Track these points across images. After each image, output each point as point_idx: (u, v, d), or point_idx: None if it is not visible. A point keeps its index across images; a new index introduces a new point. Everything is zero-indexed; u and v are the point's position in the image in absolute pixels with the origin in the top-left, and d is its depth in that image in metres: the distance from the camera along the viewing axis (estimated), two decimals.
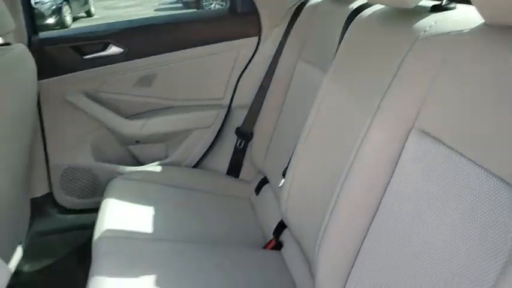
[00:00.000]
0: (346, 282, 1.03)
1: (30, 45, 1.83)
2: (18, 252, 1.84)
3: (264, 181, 1.88)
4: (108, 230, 1.49)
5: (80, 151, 2.03)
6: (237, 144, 2.04)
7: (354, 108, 1.15)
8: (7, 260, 1.71)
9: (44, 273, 1.91)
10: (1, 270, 1.24)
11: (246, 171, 2.07)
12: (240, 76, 2.05)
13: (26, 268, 1.91)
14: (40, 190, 2.04)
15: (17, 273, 1.84)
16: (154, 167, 2.00)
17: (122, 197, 1.70)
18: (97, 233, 1.48)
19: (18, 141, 1.64)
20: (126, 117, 2.01)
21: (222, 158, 2.09)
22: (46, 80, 1.88)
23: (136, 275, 1.27)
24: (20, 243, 1.86)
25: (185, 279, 1.29)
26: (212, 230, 1.64)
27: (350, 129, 1.13)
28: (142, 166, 2.05)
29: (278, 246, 1.52)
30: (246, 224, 1.75)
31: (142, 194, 1.75)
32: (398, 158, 0.96)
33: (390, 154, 0.97)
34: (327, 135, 1.27)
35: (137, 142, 2.09)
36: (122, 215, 1.59)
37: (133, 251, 1.40)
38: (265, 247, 1.56)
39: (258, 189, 1.90)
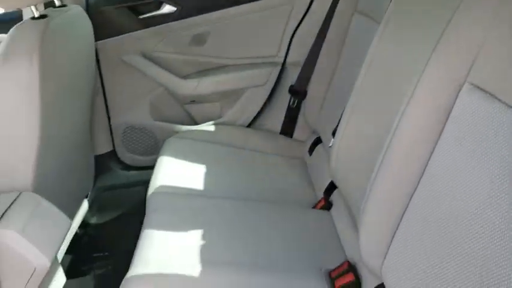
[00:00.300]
0: (390, 245, 0.99)
1: (86, 7, 1.88)
2: (85, 206, 1.97)
3: (318, 141, 1.84)
4: (161, 186, 1.54)
5: (139, 110, 2.10)
6: (291, 103, 2.00)
7: (403, 63, 1.08)
8: (74, 212, 1.84)
9: (108, 225, 2.02)
10: (62, 222, 1.33)
11: (299, 130, 2.04)
12: (294, 32, 1.98)
13: (93, 220, 2.04)
14: (104, 148, 2.15)
15: (85, 225, 1.97)
16: (209, 126, 2.03)
17: (176, 155, 1.74)
18: (151, 189, 1.54)
19: (79, 100, 1.72)
20: (181, 77, 2.04)
21: (276, 117, 2.07)
22: (103, 41, 1.94)
23: (186, 230, 1.31)
24: (86, 197, 1.99)
25: (234, 235, 1.31)
26: (263, 188, 1.65)
27: (399, 86, 1.06)
28: (197, 125, 2.08)
29: (328, 206, 1.50)
30: (298, 183, 1.74)
31: (196, 153, 1.79)
32: (448, 115, 0.89)
33: (439, 111, 0.90)
34: (376, 92, 1.20)
35: (192, 101, 2.12)
36: (175, 172, 1.64)
37: (184, 206, 1.44)
38: (314, 207, 1.55)
39: (311, 149, 1.86)
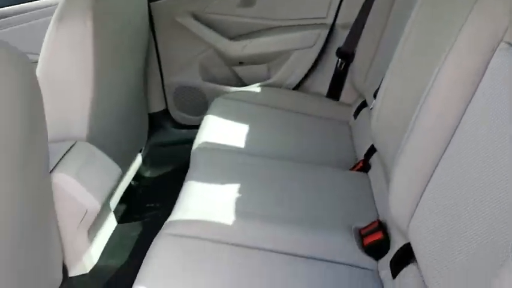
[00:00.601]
0: (417, 205, 1.00)
1: None
2: (138, 160, 2.10)
3: (364, 105, 1.83)
4: (204, 143, 1.61)
5: (190, 71, 2.17)
6: (338, 66, 1.99)
7: (441, 24, 1.05)
8: (128, 165, 1.97)
9: (160, 179, 2.15)
10: (113, 170, 1.44)
11: (346, 94, 2.03)
12: None
13: (146, 174, 2.17)
14: (157, 106, 2.26)
15: (139, 177, 2.11)
16: (256, 88, 2.06)
17: (221, 114, 1.80)
18: (195, 145, 1.62)
19: (133, 60, 1.81)
20: (230, 38, 2.07)
21: (323, 80, 2.07)
22: (157, 2, 2.00)
23: (224, 183, 1.38)
24: (140, 151, 2.12)
25: (269, 191, 1.37)
26: (304, 149, 1.67)
27: (436, 47, 1.04)
28: (245, 87, 2.12)
29: (366, 168, 1.51)
30: (340, 146, 1.75)
31: (242, 113, 1.84)
32: (483, 74, 0.87)
33: (474, 70, 0.88)
34: (415, 54, 1.18)
35: (241, 63, 2.16)
36: (219, 130, 1.70)
37: (225, 162, 1.50)
38: (352, 168, 1.56)
39: (356, 113, 1.86)
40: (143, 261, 1.08)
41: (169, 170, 2.20)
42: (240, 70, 2.19)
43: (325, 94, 2.08)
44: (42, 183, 1.16)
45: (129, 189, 1.95)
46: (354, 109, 1.90)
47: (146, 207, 1.95)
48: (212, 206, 1.26)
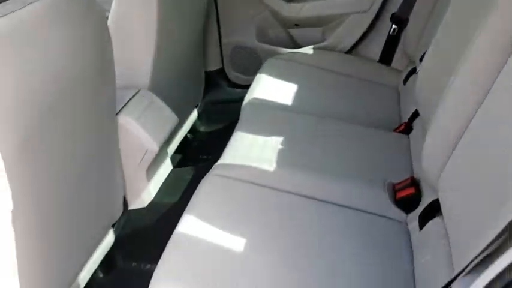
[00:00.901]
0: (447, 161, 1.06)
1: None
2: (194, 114, 2.25)
3: (414, 71, 1.85)
4: (255, 99, 1.72)
5: (246, 32, 2.26)
6: (391, 31, 2.00)
7: None
8: (185, 117, 2.12)
9: (213, 134, 2.29)
10: (170, 117, 1.59)
11: (398, 59, 2.05)
12: None
13: (201, 128, 2.32)
14: (214, 65, 2.38)
15: (194, 131, 2.26)
16: (309, 50, 2.12)
17: (273, 73, 1.88)
18: (245, 100, 1.73)
19: (193, 19, 1.93)
20: (288, 1, 2.13)
21: (375, 44, 2.09)
22: None
23: (272, 135, 1.47)
24: (196, 107, 2.26)
25: (310, 145, 1.46)
26: (352, 110, 1.73)
27: (476, 16, 1.07)
28: (298, 49, 2.19)
29: (408, 130, 1.56)
30: (386, 110, 1.79)
31: (293, 73, 1.91)
32: None
33: (509, 39, 0.92)
34: (458, 20, 1.21)
35: (296, 25, 2.22)
36: (270, 89, 1.79)
37: (274, 117, 1.60)
38: (395, 130, 1.61)
39: (406, 79, 1.88)
40: (191, 197, 1.21)
41: (222, 126, 2.33)
42: (295, 32, 2.25)
43: (377, 59, 2.10)
44: (109, 122, 1.33)
45: (185, 141, 2.10)
46: (404, 75, 1.92)
47: (200, 158, 2.11)
48: (259, 153, 1.37)
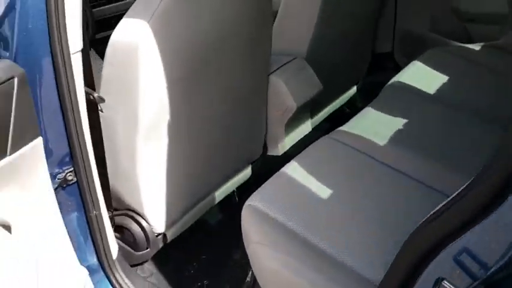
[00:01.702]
0: None
1: None
2: (353, 90, 2.40)
3: None
4: (398, 82, 1.81)
5: (421, 20, 2.31)
6: None
7: None
8: (342, 92, 2.30)
9: None
10: (316, 85, 1.83)
11: None
12: None
13: (360, 105, 2.47)
14: (384, 47, 2.49)
15: (352, 107, 2.42)
16: (477, 46, 2.06)
17: (429, 63, 1.90)
18: (390, 82, 1.85)
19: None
20: None
21: None
22: None
23: (397, 117, 1.58)
24: (356, 83, 2.42)
25: (439, 135, 1.53)
26: (499, 114, 1.67)
27: None
28: (468, 44, 2.15)
29: None
30: None
31: (449, 66, 1.90)
32: None
33: None
34: None
35: (471, 20, 2.18)
36: (418, 76, 1.83)
37: (407, 102, 1.69)
38: None
39: None
40: (301, 152, 1.42)
41: None
42: (469, 27, 2.21)
43: None
44: (262, 78, 1.65)
45: (340, 112, 2.31)
46: None
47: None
48: (380, 129, 1.50)
